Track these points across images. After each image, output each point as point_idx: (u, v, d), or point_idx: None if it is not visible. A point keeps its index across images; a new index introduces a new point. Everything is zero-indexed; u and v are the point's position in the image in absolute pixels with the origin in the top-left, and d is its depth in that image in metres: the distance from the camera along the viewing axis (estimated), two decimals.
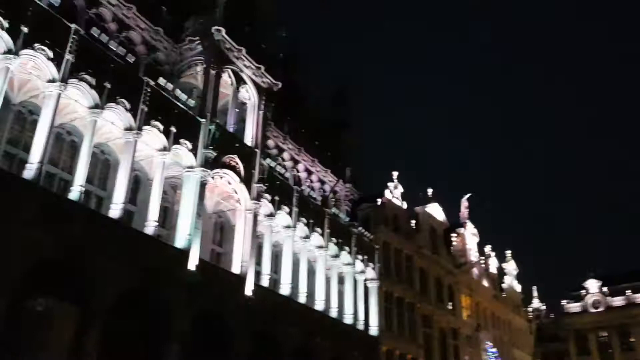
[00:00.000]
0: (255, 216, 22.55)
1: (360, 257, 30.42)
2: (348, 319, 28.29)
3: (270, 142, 28.15)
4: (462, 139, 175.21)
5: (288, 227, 24.99)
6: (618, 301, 56.64)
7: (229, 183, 22.06)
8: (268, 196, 23.66)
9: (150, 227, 17.77)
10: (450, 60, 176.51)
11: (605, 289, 58.05)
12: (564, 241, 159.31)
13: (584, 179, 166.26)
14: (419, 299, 36.26)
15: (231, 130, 22.83)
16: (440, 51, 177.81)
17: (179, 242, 18.65)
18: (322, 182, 31.95)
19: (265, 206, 23.60)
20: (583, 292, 59.69)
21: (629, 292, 56.09)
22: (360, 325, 29.23)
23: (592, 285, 59.35)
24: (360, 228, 31.12)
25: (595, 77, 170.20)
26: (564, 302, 61.16)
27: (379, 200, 35.51)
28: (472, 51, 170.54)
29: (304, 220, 25.81)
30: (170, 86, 19.98)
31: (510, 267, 54.48)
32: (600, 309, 57.62)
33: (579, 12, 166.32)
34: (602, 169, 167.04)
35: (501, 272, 52.67)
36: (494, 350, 42.22)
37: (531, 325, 56.64)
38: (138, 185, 20.25)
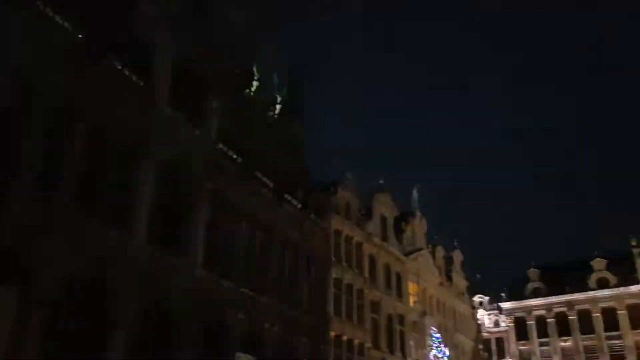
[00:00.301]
0: None
1: (311, 244, 30.62)
2: (298, 305, 28.49)
3: None
4: (419, 128, 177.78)
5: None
6: (556, 289, 59.30)
7: None
8: None
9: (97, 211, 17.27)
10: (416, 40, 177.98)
11: (544, 277, 60.71)
12: (510, 232, 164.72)
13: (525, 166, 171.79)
14: (368, 285, 36.82)
15: None
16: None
17: (128, 227, 18.22)
18: (277, 167, 31.80)
19: None
20: (524, 280, 62.27)
21: (566, 281, 58.72)
22: (310, 311, 29.51)
23: (532, 274, 61.90)
24: (312, 215, 31.30)
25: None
26: (505, 290, 63.65)
27: (332, 188, 35.71)
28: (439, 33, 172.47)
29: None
30: None
31: (457, 256, 56.04)
32: (539, 297, 60.21)
33: None
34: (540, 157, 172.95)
35: (448, 261, 54.12)
36: (438, 335, 43.38)
37: (474, 312, 58.52)
38: None
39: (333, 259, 33.55)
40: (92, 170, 17.08)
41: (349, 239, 36.23)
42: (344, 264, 34.86)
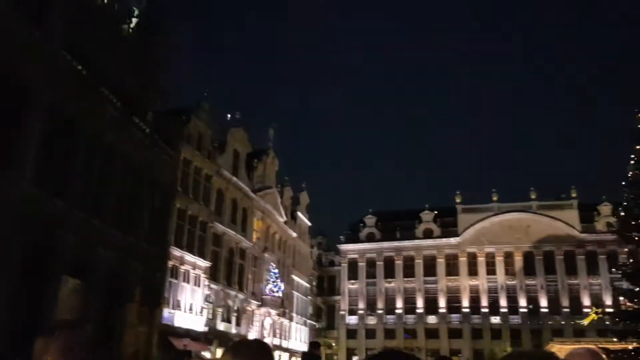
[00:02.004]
0: None
1: (157, 171, 29.56)
2: (136, 232, 27.61)
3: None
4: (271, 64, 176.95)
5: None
6: (388, 235, 64.09)
7: None
8: None
9: None
10: None
11: (379, 224, 65.13)
12: (355, 182, 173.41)
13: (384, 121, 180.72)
14: (213, 218, 36.68)
15: None
16: None
17: None
18: (126, 85, 29.79)
19: None
20: (361, 225, 66.29)
21: (398, 228, 63.62)
22: (149, 239, 28.77)
23: (369, 220, 66.03)
24: (161, 142, 30.06)
25: None
26: (344, 232, 67.41)
27: (185, 116, 34.48)
28: None
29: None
30: None
31: (303, 197, 57.86)
32: (373, 241, 64.65)
33: None
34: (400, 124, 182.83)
35: (295, 201, 55.70)
36: (276, 271, 44.95)
37: (312, 252, 61.39)
38: None
39: (179, 189, 32.79)
40: None
41: (198, 171, 35.56)
42: (191, 195, 34.27)
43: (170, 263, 31.19)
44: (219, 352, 33.55)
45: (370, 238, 65.13)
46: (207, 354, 33.12)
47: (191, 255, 33.58)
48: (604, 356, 23.89)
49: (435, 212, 63.42)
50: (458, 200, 63.45)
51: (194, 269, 33.77)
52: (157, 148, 29.84)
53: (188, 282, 33.20)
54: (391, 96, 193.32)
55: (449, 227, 62.56)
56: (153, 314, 28.62)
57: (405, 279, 62.21)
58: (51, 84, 20.71)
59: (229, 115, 42.16)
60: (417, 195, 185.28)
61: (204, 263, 35.03)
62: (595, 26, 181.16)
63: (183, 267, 32.68)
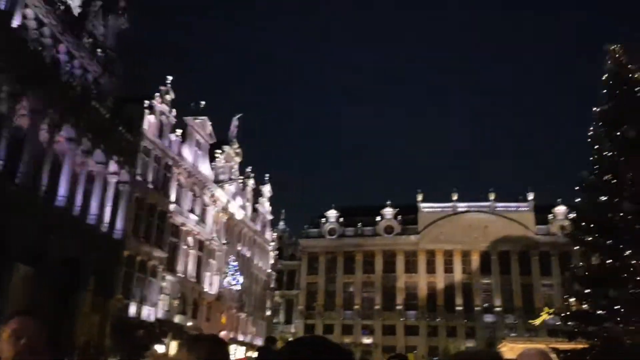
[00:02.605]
0: None
1: (116, 158, 28.93)
2: (92, 220, 26.98)
3: (29, 12, 24.26)
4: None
5: (34, 111, 22.20)
6: (349, 231, 64.43)
7: None
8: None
9: None
10: None
11: (341, 219, 65.41)
12: (319, 176, 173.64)
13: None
14: (172, 208, 36.08)
15: None
16: None
17: None
18: (86, 71, 28.95)
19: None
20: (323, 220, 66.45)
21: (359, 224, 64.03)
22: (105, 228, 28.18)
23: (331, 215, 66.23)
24: (121, 128, 29.38)
25: None
26: (305, 227, 67.44)
27: (147, 102, 33.77)
28: None
29: (55, 107, 23.19)
30: None
31: (266, 189, 57.55)
32: (334, 236, 64.88)
33: None
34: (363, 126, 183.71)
35: (257, 193, 55.33)
36: (235, 263, 44.56)
37: (273, 245, 61.11)
38: None
39: (139, 178, 32.12)
40: None
41: (158, 159, 34.91)
42: (150, 184, 33.61)
43: (127, 253, 30.55)
44: (174, 345, 33.09)
45: (331, 233, 65.33)
46: (161, 346, 32.60)
47: (148, 245, 32.97)
48: (553, 356, 24.52)
49: (397, 209, 64.03)
50: (419, 198, 64.22)
51: (150, 259, 33.18)
52: (117, 134, 29.14)
53: (144, 273, 32.60)
54: (358, 93, 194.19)
55: (409, 225, 63.30)
56: (107, 304, 28.02)
57: (365, 274, 62.68)
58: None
59: (192, 104, 41.46)
60: (380, 191, 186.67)
61: (161, 254, 34.45)
62: (553, 25, 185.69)
63: (139, 258, 32.06)
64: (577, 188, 22.93)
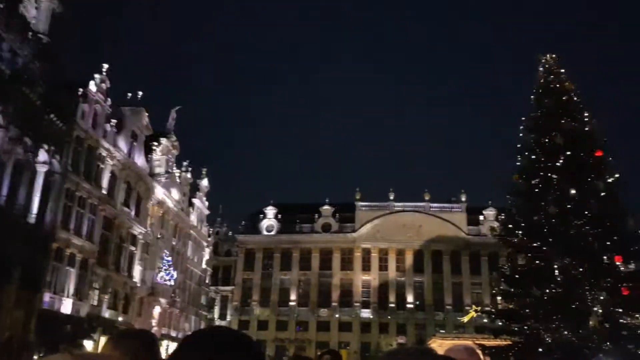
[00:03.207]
0: None
1: (46, 147, 27.75)
2: (19, 211, 25.78)
3: None
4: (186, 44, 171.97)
5: None
6: (287, 228, 64.44)
7: None
8: None
9: None
10: None
11: (279, 216, 65.34)
12: (258, 172, 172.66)
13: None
14: (104, 201, 34.98)
15: None
16: None
17: None
18: (16, 55, 27.59)
19: None
20: (261, 216, 66.15)
21: (297, 221, 64.19)
22: (32, 219, 26.99)
23: (269, 211, 66.04)
24: (52, 116, 28.20)
25: None
26: (243, 223, 66.94)
27: (81, 90, 32.56)
28: None
29: None
30: None
31: (203, 184, 56.73)
32: (271, 233, 64.70)
33: None
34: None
35: (194, 188, 54.43)
36: (170, 259, 43.70)
37: (209, 241, 60.35)
38: None
39: (69, 168, 30.93)
40: None
41: (91, 149, 33.75)
42: (82, 175, 32.44)
43: (55, 245, 29.41)
44: (103, 340, 32.10)
45: (269, 229, 65.12)
46: (89, 342, 31.60)
47: (78, 238, 31.85)
48: (479, 352, 25.44)
49: (335, 207, 64.55)
50: (357, 197, 65.01)
51: (80, 252, 32.07)
52: (47, 122, 27.97)
53: (73, 267, 31.48)
54: (304, 90, 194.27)
55: (347, 223, 63.96)
56: (32, 297, 26.90)
57: (301, 271, 62.88)
58: None
59: (129, 94, 40.32)
60: (320, 190, 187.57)
61: (92, 247, 33.38)
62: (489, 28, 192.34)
63: (69, 250, 30.93)
64: (507, 192, 23.86)
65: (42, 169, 27.94)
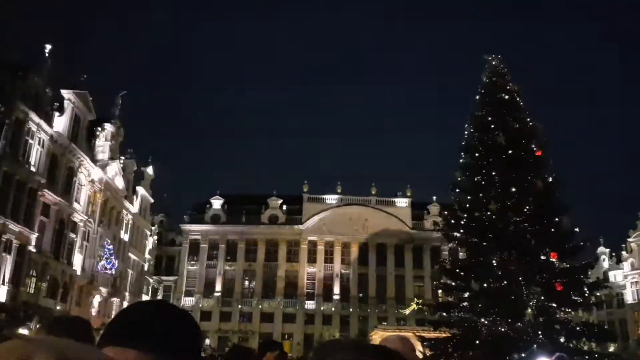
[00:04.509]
0: None
1: None
2: None
3: None
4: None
5: None
6: (233, 219, 64.03)
7: None
8: None
9: None
10: None
11: (226, 207, 64.82)
12: (208, 162, 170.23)
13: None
14: (43, 186, 33.73)
15: None
16: None
17: None
18: None
19: None
20: (207, 206, 65.43)
21: (244, 212, 63.89)
22: None
23: (216, 202, 65.42)
24: None
25: None
26: (188, 212, 66.00)
27: (22, 72, 31.23)
28: None
29: None
30: None
31: (148, 172, 55.56)
32: (217, 223, 64.12)
33: None
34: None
35: (138, 176, 53.24)
36: (111, 247, 42.64)
37: (153, 230, 59.22)
38: None
39: (7, 150, 29.68)
40: None
41: (30, 133, 32.44)
42: (20, 158, 31.18)
43: None
44: None
45: (215, 220, 64.48)
46: (25, 331, 30.50)
47: (15, 224, 30.62)
48: (415, 342, 26.07)
49: (282, 199, 64.55)
50: (305, 189, 65.20)
51: (17, 239, 30.87)
52: None
53: (9, 253, 30.29)
54: (252, 76, 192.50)
55: (294, 215, 64.07)
56: None
57: (247, 262, 62.64)
58: None
59: (71, 78, 38.91)
60: (267, 181, 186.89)
61: (30, 233, 32.19)
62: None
63: (5, 237, 29.73)
64: (450, 188, 24.50)
65: None
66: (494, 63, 25.28)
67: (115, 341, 1.04)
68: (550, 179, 22.39)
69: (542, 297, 20.19)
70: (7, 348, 0.78)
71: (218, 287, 61.56)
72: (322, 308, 60.25)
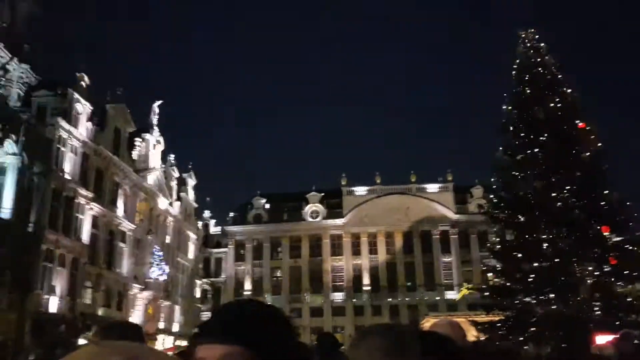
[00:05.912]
0: None
1: (28, 148, 27.45)
2: (4, 214, 25.57)
3: None
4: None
5: None
6: (275, 217, 64.52)
7: None
8: None
9: None
10: None
11: (267, 206, 65.38)
12: (244, 163, 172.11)
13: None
14: (91, 199, 34.73)
15: None
16: None
17: None
18: None
19: None
20: (249, 207, 66.14)
21: (285, 210, 64.29)
22: (18, 221, 26.77)
23: (257, 202, 66.05)
24: (32, 117, 27.88)
25: None
26: (231, 214, 66.85)
27: (60, 89, 32.18)
28: None
29: None
30: None
31: (190, 178, 56.49)
32: (260, 223, 64.75)
33: None
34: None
35: (181, 182, 54.21)
36: (160, 253, 43.60)
37: (199, 233, 60.23)
38: None
39: (54, 168, 30.67)
40: None
41: (74, 149, 33.42)
42: (67, 175, 32.18)
43: (44, 246, 29.23)
44: None
45: (257, 220, 65.13)
46: (83, 341, 31.54)
47: (67, 238, 31.67)
48: (467, 327, 25.77)
49: (322, 194, 64.68)
50: (343, 182, 65.16)
51: (70, 252, 31.91)
52: (27, 124, 27.64)
53: (64, 266, 31.34)
54: (285, 77, 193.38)
55: (334, 209, 64.13)
56: (24, 299, 26.78)
57: (292, 259, 63.10)
58: None
59: (109, 92, 39.89)
60: (307, 178, 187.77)
61: (82, 246, 33.22)
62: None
63: (59, 251, 30.76)
64: (492, 168, 24.09)
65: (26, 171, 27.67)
66: (527, 37, 24.68)
67: (204, 339, 1.11)
68: (597, 151, 21.74)
69: (596, 273, 19.68)
70: (86, 351, 0.86)
71: (266, 285, 62.25)
72: (370, 300, 60.21)
